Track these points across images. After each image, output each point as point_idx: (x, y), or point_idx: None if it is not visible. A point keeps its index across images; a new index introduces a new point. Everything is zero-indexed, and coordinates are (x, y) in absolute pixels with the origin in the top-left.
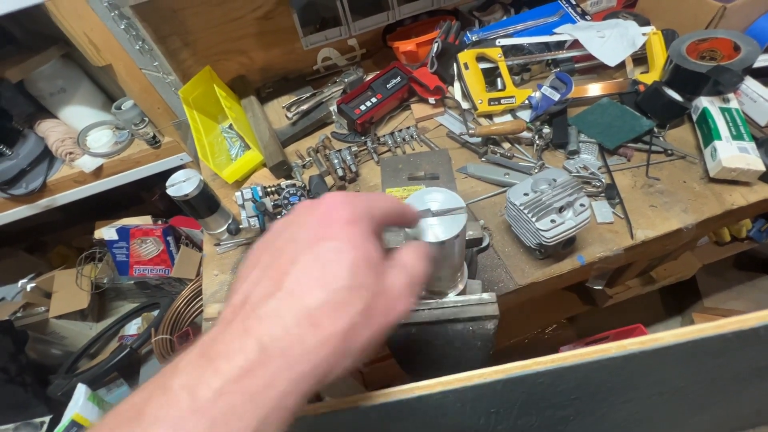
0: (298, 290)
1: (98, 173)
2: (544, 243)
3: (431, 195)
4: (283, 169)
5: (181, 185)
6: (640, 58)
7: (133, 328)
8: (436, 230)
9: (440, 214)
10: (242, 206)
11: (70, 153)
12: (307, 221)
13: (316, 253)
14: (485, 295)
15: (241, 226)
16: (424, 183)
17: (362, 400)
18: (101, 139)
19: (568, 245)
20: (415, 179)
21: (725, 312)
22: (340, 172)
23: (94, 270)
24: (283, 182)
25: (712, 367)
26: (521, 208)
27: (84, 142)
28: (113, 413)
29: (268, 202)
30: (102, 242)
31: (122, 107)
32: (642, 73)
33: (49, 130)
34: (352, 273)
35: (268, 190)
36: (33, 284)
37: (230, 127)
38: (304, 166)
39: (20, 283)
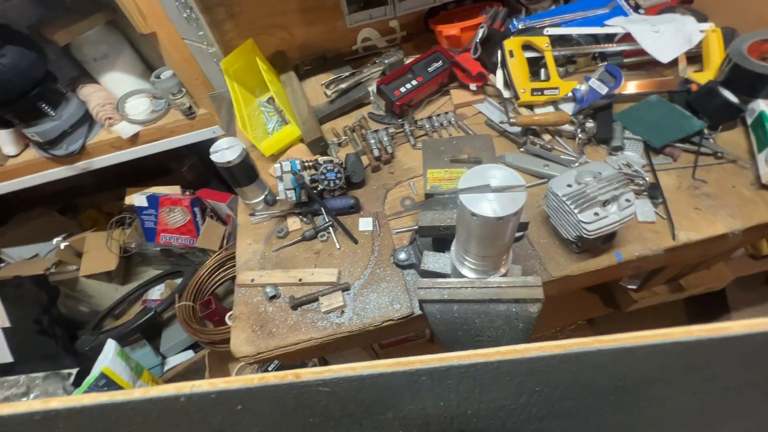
0: None
1: (134, 140)
2: (584, 235)
3: (492, 171)
4: (320, 146)
5: (225, 152)
6: (694, 56)
7: (156, 293)
8: (494, 205)
9: (500, 190)
10: (280, 178)
11: (110, 118)
12: None
13: None
14: (530, 279)
15: (277, 198)
16: (466, 166)
17: (416, 363)
18: (139, 107)
19: (607, 240)
20: (458, 162)
21: None
22: (376, 153)
23: (123, 234)
24: (321, 158)
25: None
26: (564, 198)
27: (123, 108)
28: None
29: (306, 176)
30: (132, 208)
31: (161, 76)
32: (695, 71)
33: (90, 95)
34: None
35: (306, 164)
36: (66, 243)
37: (268, 101)
38: (339, 144)
39: (54, 241)
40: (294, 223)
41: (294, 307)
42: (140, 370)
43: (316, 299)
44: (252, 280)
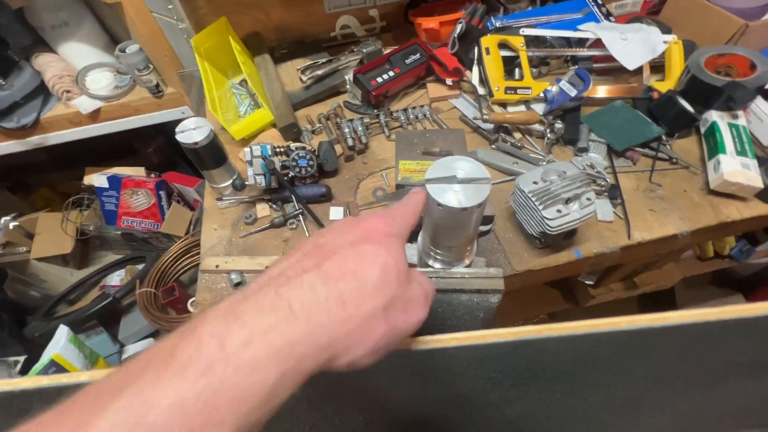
0: (334, 273)
1: (95, 116)
2: (547, 231)
3: (459, 163)
4: (292, 132)
5: (191, 133)
6: (658, 66)
7: (116, 279)
8: (459, 196)
9: (466, 182)
10: (249, 163)
11: (68, 91)
12: (352, 230)
13: (356, 251)
14: (492, 270)
15: (246, 183)
16: (437, 159)
17: None
18: (101, 81)
19: (568, 237)
20: (430, 155)
21: None
22: (350, 142)
23: (80, 216)
24: (293, 144)
25: (705, 354)
26: (529, 195)
27: (83, 81)
28: (144, 354)
29: (277, 162)
30: (91, 189)
31: (126, 50)
32: (657, 80)
33: (46, 65)
34: (383, 273)
35: (278, 150)
36: (15, 223)
37: (240, 83)
38: (313, 132)
39: (2, 220)
40: (263, 210)
41: None
42: (95, 358)
43: None
44: (217, 266)
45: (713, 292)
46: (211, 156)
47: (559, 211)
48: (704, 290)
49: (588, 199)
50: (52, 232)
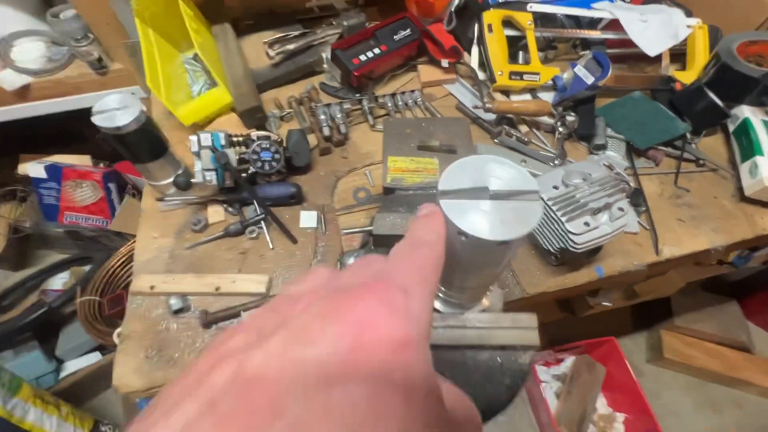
0: None
1: (24, 94)
2: (571, 248)
3: (492, 167)
4: (255, 117)
5: (114, 114)
6: (677, 54)
7: (59, 282)
8: (492, 221)
9: (503, 197)
10: (197, 154)
11: None
12: (332, 334)
13: (340, 401)
14: (523, 316)
15: (193, 180)
16: (437, 156)
17: None
18: (31, 53)
19: (592, 254)
20: (427, 149)
21: (693, 332)
22: (326, 131)
23: (14, 210)
24: (255, 133)
25: None
26: (550, 203)
27: (7, 52)
28: None
29: (232, 155)
30: (27, 179)
31: (60, 16)
32: (677, 70)
33: None
34: None
35: (234, 139)
36: None
37: (195, 58)
38: (282, 118)
39: None
40: (216, 214)
41: (207, 325)
42: (16, 385)
43: (237, 315)
44: (152, 288)
45: (707, 299)
46: (144, 145)
47: (586, 224)
48: (698, 296)
49: (620, 209)
50: None
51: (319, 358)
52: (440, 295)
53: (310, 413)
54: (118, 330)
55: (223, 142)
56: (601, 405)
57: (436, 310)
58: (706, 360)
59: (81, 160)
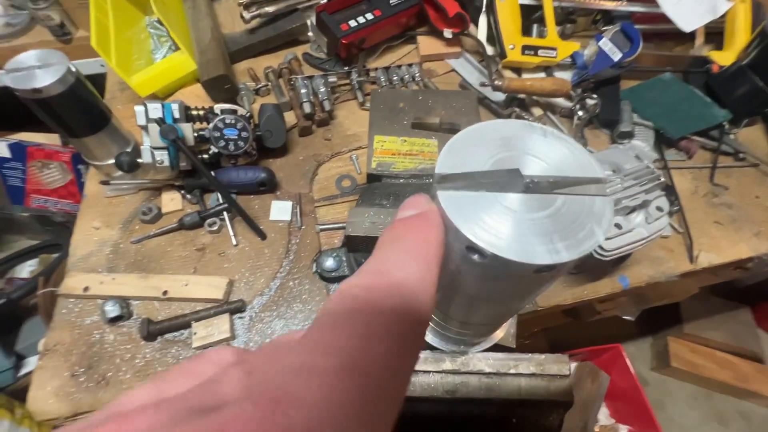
0: None
1: None
2: (597, 256)
3: (523, 139)
4: (223, 89)
5: (33, 73)
6: (712, 32)
7: (26, 270)
8: (528, 230)
9: (546, 188)
10: (145, 129)
11: None
12: None
13: None
14: (551, 361)
15: (140, 160)
16: (436, 136)
17: None
18: None
19: (620, 261)
20: (424, 128)
21: (703, 341)
22: (306, 108)
23: None
24: (218, 106)
25: None
26: None
27: None
28: None
29: (188, 130)
30: None
31: None
32: (713, 50)
33: None
34: None
35: (194, 113)
36: None
37: (160, 21)
38: (257, 92)
39: None
40: (173, 202)
41: (149, 337)
42: None
43: (187, 325)
44: (86, 289)
45: (718, 304)
46: (75, 114)
47: (618, 226)
48: (709, 302)
49: (659, 208)
50: None
51: None
52: (442, 331)
53: None
54: (42, 340)
55: (177, 114)
56: (604, 416)
57: (429, 347)
58: (715, 370)
59: (49, 139)
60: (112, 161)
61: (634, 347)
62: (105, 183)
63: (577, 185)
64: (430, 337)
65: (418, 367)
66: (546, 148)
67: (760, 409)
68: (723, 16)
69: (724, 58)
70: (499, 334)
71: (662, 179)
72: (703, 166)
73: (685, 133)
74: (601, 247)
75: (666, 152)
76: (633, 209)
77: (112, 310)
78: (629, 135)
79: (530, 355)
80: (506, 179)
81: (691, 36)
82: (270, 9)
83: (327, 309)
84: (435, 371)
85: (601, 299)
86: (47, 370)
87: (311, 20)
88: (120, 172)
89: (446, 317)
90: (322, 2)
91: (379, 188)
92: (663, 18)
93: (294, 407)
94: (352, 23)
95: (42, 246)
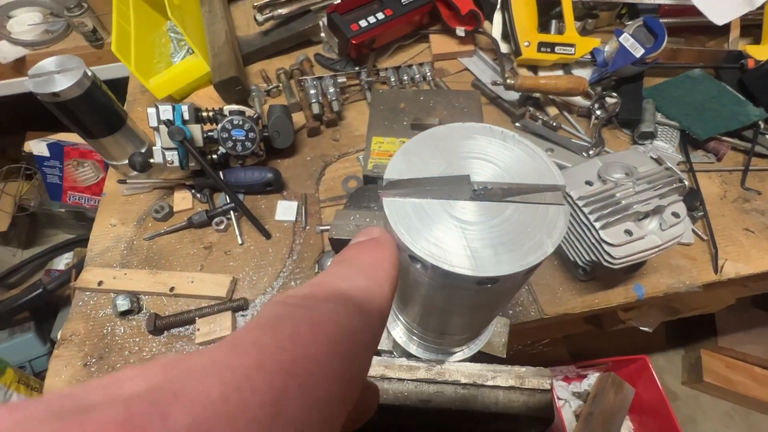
0: None
1: (19, 67)
2: (604, 263)
3: (478, 142)
4: (235, 90)
5: (52, 78)
6: (748, 25)
7: (63, 262)
8: (474, 240)
9: (497, 196)
10: (156, 130)
11: None
12: None
13: None
14: (531, 374)
15: (152, 160)
16: None
17: None
18: (27, 23)
19: (633, 269)
20: (423, 128)
21: (739, 355)
22: (315, 109)
23: (20, 188)
24: (228, 107)
25: None
26: (580, 203)
27: (3, 23)
28: None
29: (197, 132)
30: (32, 157)
31: None
32: (749, 44)
33: None
34: None
35: (203, 114)
36: None
37: None
38: (268, 93)
39: None
40: (184, 201)
41: (156, 332)
42: (1, 368)
43: (191, 321)
44: (100, 284)
45: (758, 317)
46: (93, 116)
47: (628, 232)
48: (748, 313)
49: (675, 214)
50: None
51: None
52: (418, 338)
53: None
54: (58, 332)
55: (186, 116)
56: (627, 430)
57: (407, 354)
58: (752, 386)
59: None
60: (126, 161)
61: (665, 359)
62: (122, 182)
63: (532, 192)
64: (408, 345)
65: (392, 375)
66: (504, 153)
67: None
68: (761, 7)
69: (761, 53)
70: (482, 342)
71: (683, 183)
72: (734, 168)
73: (714, 133)
74: (609, 254)
75: (692, 154)
76: (646, 215)
77: (122, 304)
78: (651, 135)
79: (510, 367)
80: (454, 186)
81: (725, 29)
82: (283, 11)
83: (257, 314)
84: (410, 379)
85: (624, 307)
86: (62, 359)
87: (323, 21)
88: (135, 172)
89: (420, 327)
90: (334, 3)
91: (370, 191)
92: (693, 10)
93: (177, 409)
94: (363, 23)
95: (77, 240)
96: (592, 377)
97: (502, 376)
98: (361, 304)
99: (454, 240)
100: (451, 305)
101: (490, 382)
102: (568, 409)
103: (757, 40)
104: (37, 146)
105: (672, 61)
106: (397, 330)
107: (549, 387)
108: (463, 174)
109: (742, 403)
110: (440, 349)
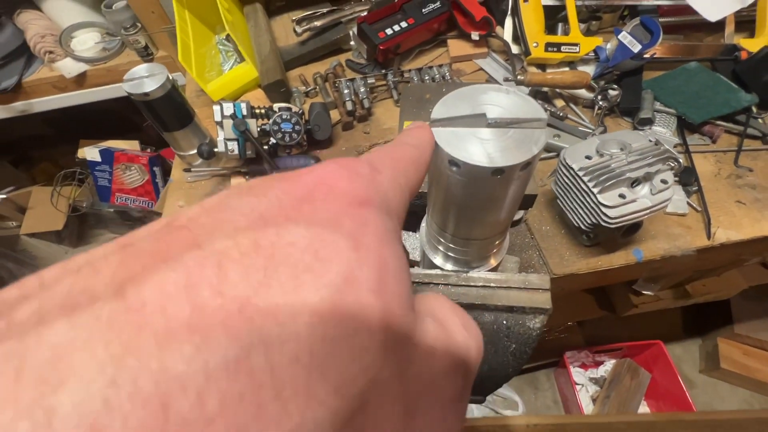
0: (176, 313)
1: (81, 81)
2: (603, 223)
3: (490, 95)
4: (280, 92)
5: (143, 81)
6: (743, 21)
7: None
8: (489, 149)
9: (503, 124)
10: (220, 124)
11: (50, 52)
12: (274, 187)
13: (269, 241)
14: (534, 278)
15: (215, 150)
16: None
17: None
18: (87, 42)
19: (629, 233)
20: None
21: (756, 342)
22: (348, 106)
23: (74, 191)
24: (276, 105)
25: None
26: (580, 173)
27: (67, 42)
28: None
29: (253, 125)
30: (85, 163)
31: (113, 7)
32: (744, 38)
33: (29, 22)
34: (344, 314)
35: (256, 111)
36: (3, 196)
37: (228, 38)
38: (307, 94)
39: None
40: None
41: None
42: None
43: None
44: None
45: None
46: (171, 113)
47: (622, 196)
48: (764, 301)
49: (663, 181)
50: (45, 207)
51: (257, 207)
52: (441, 249)
53: (233, 247)
54: None
55: (244, 112)
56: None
57: (437, 267)
58: None
59: (131, 146)
60: (193, 151)
61: (681, 348)
62: (187, 170)
63: (523, 122)
64: (440, 261)
65: (429, 281)
66: (507, 100)
67: None
68: (753, 4)
69: (754, 45)
70: (492, 262)
71: (673, 157)
72: (728, 149)
73: (707, 117)
74: (606, 215)
75: (689, 137)
76: (637, 181)
77: None
78: (649, 121)
79: (520, 274)
80: (476, 120)
81: (721, 26)
82: (318, 23)
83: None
84: (443, 284)
85: (616, 272)
86: None
87: (353, 31)
88: (199, 161)
89: (448, 232)
90: (362, 15)
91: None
92: (690, 10)
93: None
94: (389, 31)
95: None
96: (609, 364)
97: (514, 280)
98: (422, 159)
99: (477, 149)
100: (473, 198)
101: (504, 285)
102: (585, 393)
103: (751, 35)
104: (91, 152)
105: (672, 56)
106: (420, 242)
107: (548, 287)
108: (481, 113)
109: (760, 390)
110: (463, 261)
